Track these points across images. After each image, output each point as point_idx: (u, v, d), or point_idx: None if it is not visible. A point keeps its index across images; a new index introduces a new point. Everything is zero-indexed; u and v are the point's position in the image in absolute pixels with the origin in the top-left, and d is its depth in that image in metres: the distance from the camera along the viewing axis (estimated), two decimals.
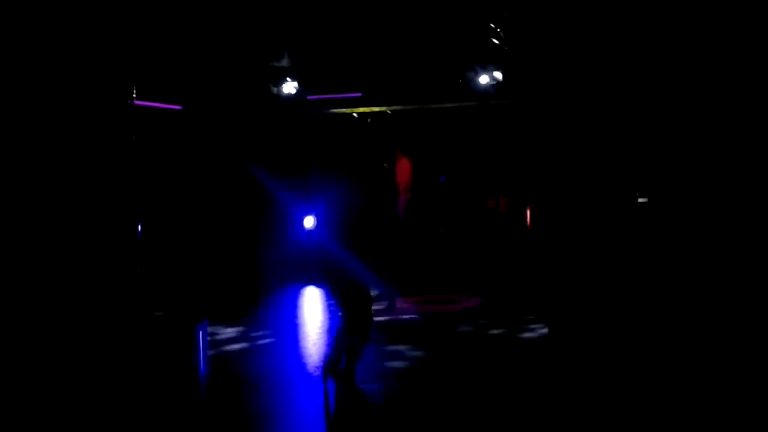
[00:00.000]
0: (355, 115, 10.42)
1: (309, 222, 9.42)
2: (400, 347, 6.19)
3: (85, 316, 5.72)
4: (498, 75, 9.01)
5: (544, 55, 8.42)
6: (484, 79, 8.94)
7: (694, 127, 7.07)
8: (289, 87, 9.64)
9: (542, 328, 6.68)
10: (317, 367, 5.79)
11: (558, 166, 8.14)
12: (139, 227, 5.68)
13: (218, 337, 6.76)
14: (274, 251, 10.18)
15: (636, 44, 7.40)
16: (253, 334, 7.03)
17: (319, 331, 7.27)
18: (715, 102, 6.89)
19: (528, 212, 9.82)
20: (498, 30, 8.79)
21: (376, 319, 5.78)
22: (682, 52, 7.15)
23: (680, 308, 6.37)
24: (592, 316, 6.58)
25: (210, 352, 5.83)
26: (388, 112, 10.33)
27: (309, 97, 10.05)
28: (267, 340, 6.81)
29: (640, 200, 7.74)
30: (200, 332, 5.55)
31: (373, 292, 5.89)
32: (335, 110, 10.30)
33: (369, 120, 10.44)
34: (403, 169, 8.84)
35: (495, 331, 6.82)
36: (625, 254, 6.95)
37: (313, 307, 8.52)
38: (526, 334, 6.64)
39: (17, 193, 5.49)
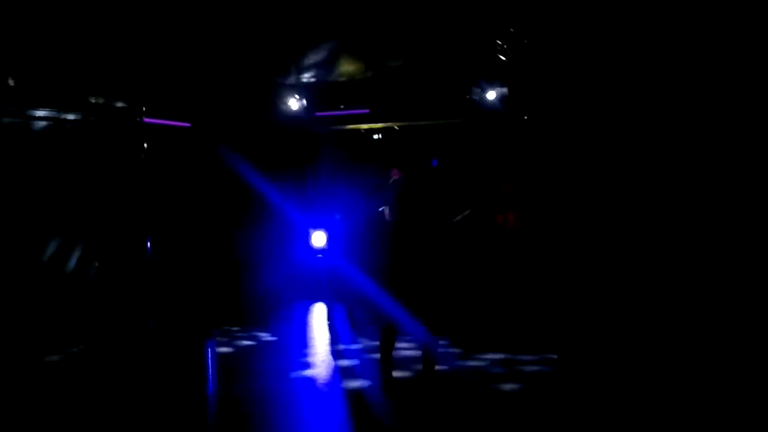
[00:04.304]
0: (362, 130, 10.45)
1: (318, 238, 9.41)
2: None
3: (92, 331, 5.72)
4: (505, 91, 9.03)
5: (550, 70, 8.45)
6: (491, 95, 8.96)
7: (700, 137, 7.08)
8: (297, 104, 9.68)
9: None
10: (325, 384, 5.76)
11: (566, 179, 8.13)
12: (149, 243, 5.70)
13: (226, 354, 6.74)
14: (281, 267, 10.18)
15: (642, 57, 7.42)
16: (262, 350, 7.00)
17: (327, 348, 7.23)
18: (723, 113, 6.89)
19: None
20: (504, 46, 8.82)
21: None
22: (684, 63, 7.18)
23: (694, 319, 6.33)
24: (603, 330, 6.54)
25: (218, 369, 5.80)
26: (396, 128, 10.35)
27: (316, 114, 10.08)
28: (276, 357, 6.77)
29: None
30: (208, 349, 5.53)
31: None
32: (342, 127, 10.33)
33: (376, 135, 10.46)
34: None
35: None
36: (635, 268, 6.91)
37: (321, 324, 8.49)
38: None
39: (28, 209, 5.51)
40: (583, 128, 8.27)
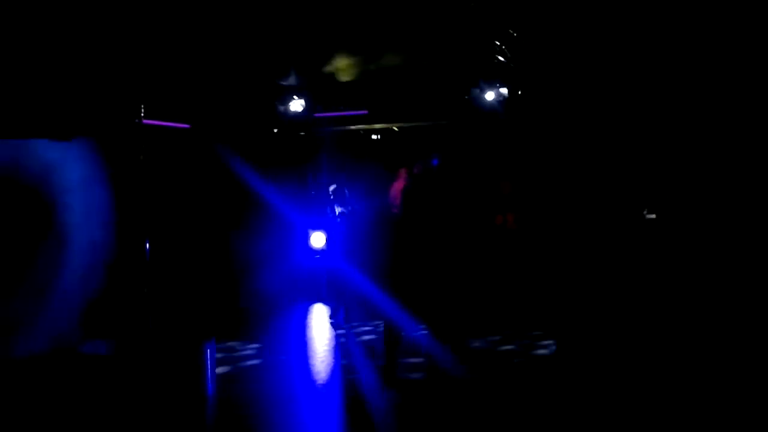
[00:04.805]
0: (361, 131, 10.47)
1: (317, 239, 9.42)
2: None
3: (90, 333, 5.72)
4: (504, 92, 9.04)
5: (549, 71, 8.46)
6: (490, 96, 8.96)
7: (699, 142, 7.10)
8: (296, 105, 9.69)
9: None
10: (325, 385, 5.77)
11: (564, 180, 8.14)
12: (147, 245, 5.70)
13: (225, 355, 6.74)
14: (280, 268, 10.18)
15: (640, 58, 7.43)
16: (262, 352, 7.00)
17: (326, 348, 7.23)
18: (721, 113, 6.91)
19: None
20: (503, 47, 8.83)
21: None
22: (683, 62, 7.20)
23: (685, 317, 6.35)
24: (600, 328, 6.55)
25: (217, 370, 5.81)
26: (395, 129, 10.37)
27: (315, 115, 10.09)
28: (275, 358, 6.77)
29: (648, 216, 7.73)
30: (207, 350, 5.53)
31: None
32: (342, 128, 10.35)
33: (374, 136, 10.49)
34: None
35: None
36: (631, 266, 6.94)
37: (320, 325, 8.49)
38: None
39: (24, 208, 5.51)
40: (581, 129, 8.28)
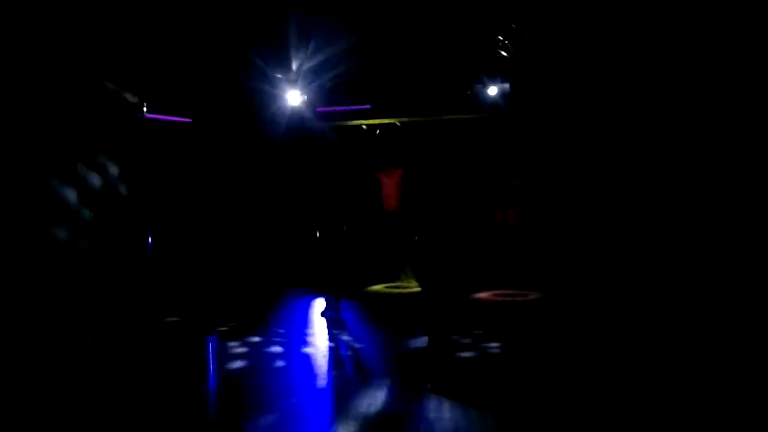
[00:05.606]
0: (364, 126, 10.46)
1: (317, 234, 9.48)
2: None
3: (93, 327, 5.74)
4: (506, 87, 9.04)
5: (550, 66, 8.45)
6: (492, 91, 8.96)
7: (696, 134, 7.10)
8: (298, 99, 9.68)
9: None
10: (325, 379, 5.78)
11: (564, 174, 8.14)
12: (150, 238, 5.73)
13: (227, 348, 6.76)
14: (280, 264, 10.21)
15: (643, 52, 7.42)
16: (264, 345, 7.02)
17: (327, 342, 7.26)
18: (713, 109, 6.92)
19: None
20: (506, 42, 8.82)
21: None
22: (683, 58, 7.20)
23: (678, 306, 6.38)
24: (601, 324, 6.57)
25: (220, 364, 5.82)
26: (397, 124, 10.37)
27: (318, 109, 10.09)
28: (277, 354, 6.79)
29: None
30: (209, 344, 5.55)
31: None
32: (344, 122, 10.35)
33: (378, 131, 10.49)
34: (394, 180, 9.20)
35: None
36: (628, 256, 6.96)
37: (321, 320, 8.50)
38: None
39: (29, 203, 5.52)
40: (582, 124, 8.28)
